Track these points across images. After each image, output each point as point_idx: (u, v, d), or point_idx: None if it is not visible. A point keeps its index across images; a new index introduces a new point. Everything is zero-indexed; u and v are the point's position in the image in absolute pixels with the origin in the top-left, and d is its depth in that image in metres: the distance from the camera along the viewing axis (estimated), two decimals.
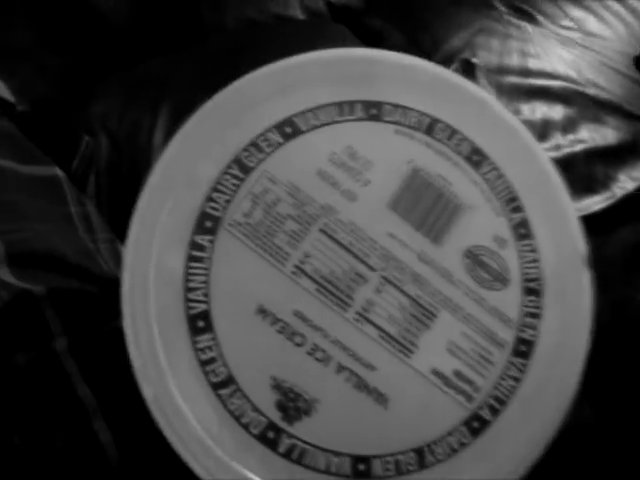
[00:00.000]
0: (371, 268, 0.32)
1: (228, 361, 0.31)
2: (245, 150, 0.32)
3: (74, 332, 0.37)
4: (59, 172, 0.46)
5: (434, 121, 0.33)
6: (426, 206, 0.33)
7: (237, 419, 0.30)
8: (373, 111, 0.33)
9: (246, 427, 0.30)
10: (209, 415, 0.30)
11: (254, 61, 0.58)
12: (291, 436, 0.30)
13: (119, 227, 0.52)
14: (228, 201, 0.31)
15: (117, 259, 0.48)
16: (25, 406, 0.36)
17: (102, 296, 0.40)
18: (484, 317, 0.32)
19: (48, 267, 0.39)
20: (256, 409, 0.30)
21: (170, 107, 0.57)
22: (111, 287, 0.42)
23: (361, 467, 0.30)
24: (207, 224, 0.31)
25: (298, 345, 0.31)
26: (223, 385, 0.30)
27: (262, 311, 0.31)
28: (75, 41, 0.67)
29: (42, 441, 0.36)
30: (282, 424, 0.30)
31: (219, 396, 0.30)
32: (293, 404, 0.31)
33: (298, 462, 0.30)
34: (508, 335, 0.32)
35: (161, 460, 0.37)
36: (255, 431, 0.30)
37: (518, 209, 0.33)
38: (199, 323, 0.31)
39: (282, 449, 0.30)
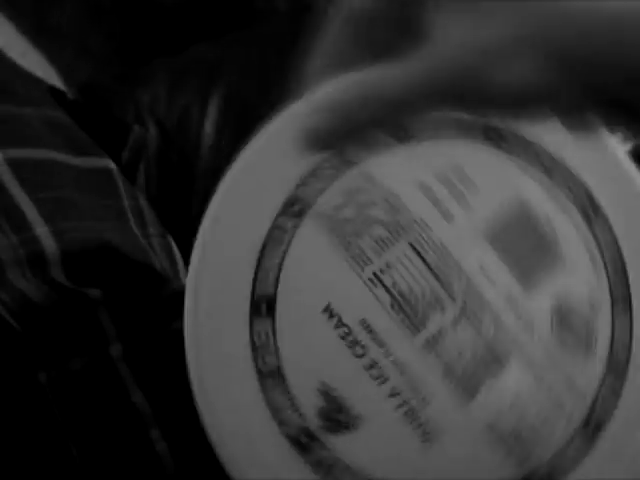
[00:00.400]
0: (452, 297, 0.30)
1: (281, 352, 0.29)
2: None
3: (128, 337, 0.36)
4: (111, 164, 0.45)
5: (554, 160, 0.31)
6: (526, 248, 0.30)
7: (274, 413, 0.28)
8: (492, 135, 0.31)
9: (280, 424, 0.28)
10: (246, 401, 0.29)
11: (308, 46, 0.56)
12: (325, 447, 0.29)
13: (168, 220, 0.51)
14: (322, 190, 0.29)
15: (169, 255, 0.47)
16: (81, 414, 0.35)
17: (157, 299, 0.39)
18: (557, 383, 0.30)
19: (103, 268, 0.38)
20: (296, 409, 0.29)
21: (220, 94, 0.55)
22: (166, 289, 0.41)
23: None
24: (295, 208, 0.29)
25: (357, 356, 0.29)
26: (270, 375, 0.29)
27: (328, 311, 0.29)
28: (119, 21, 0.65)
29: (98, 451, 0.35)
30: (319, 432, 0.29)
31: (263, 385, 0.29)
32: (336, 415, 0.29)
33: (324, 475, 0.29)
34: (578, 409, 0.30)
35: (216, 469, 0.35)
36: (289, 431, 0.29)
37: (623, 280, 0.30)
38: (262, 306, 0.29)
39: (312, 458, 0.28)
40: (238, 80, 0.55)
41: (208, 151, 0.52)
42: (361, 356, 0.29)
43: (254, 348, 0.29)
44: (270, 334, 0.29)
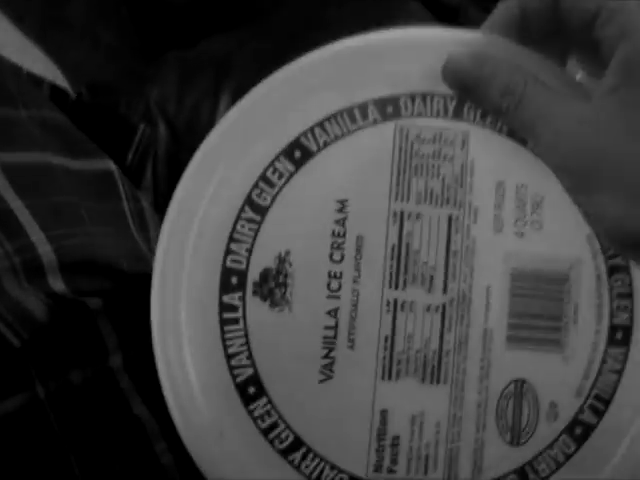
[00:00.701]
0: (445, 289, 0.29)
1: (291, 424, 0.28)
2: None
3: (130, 348, 0.34)
4: (112, 165, 0.43)
5: None
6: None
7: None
8: None
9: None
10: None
11: (322, 39, 0.54)
12: None
13: None
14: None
15: None
16: (82, 429, 0.33)
17: None
18: None
19: (103, 275, 0.36)
20: (334, 466, 0.28)
21: (232, 90, 0.52)
22: None
23: None
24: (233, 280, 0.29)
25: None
26: (292, 449, 0.28)
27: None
28: (130, 16, 0.64)
29: (101, 467, 0.33)
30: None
31: (291, 462, 0.28)
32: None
33: None
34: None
35: None
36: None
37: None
38: (250, 389, 0.28)
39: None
40: (250, 74, 0.52)
41: None
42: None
43: (263, 432, 0.29)
44: (272, 412, 0.29)
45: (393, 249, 0.29)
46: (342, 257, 0.29)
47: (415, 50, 0.29)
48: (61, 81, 0.51)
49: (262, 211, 0.29)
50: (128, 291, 0.37)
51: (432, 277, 0.29)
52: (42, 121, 0.40)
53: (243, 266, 0.28)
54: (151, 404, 0.34)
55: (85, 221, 0.37)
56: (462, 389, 0.29)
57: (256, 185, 0.29)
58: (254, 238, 0.29)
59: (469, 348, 0.29)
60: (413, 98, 0.29)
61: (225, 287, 0.28)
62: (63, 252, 0.35)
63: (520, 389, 0.29)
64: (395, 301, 0.29)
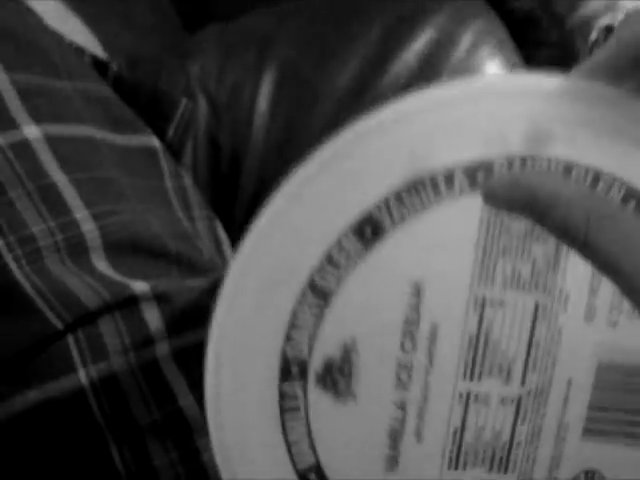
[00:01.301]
0: (523, 381, 0.27)
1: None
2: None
3: (177, 336, 0.33)
4: (155, 141, 0.42)
5: None
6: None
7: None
8: None
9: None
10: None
11: (368, 20, 0.52)
12: None
13: (217, 203, 0.47)
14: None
15: (215, 239, 0.43)
16: (123, 418, 0.32)
17: (206, 292, 0.35)
18: None
19: (148, 255, 0.34)
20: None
21: (275, 67, 0.51)
22: (213, 279, 0.37)
23: None
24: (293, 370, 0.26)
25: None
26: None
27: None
28: None
29: (141, 458, 0.32)
30: None
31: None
32: None
33: None
34: None
35: None
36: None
37: None
38: (311, 477, 0.26)
39: None
40: (293, 53, 0.51)
41: (261, 129, 0.48)
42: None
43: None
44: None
45: (470, 340, 0.26)
46: (414, 346, 0.26)
47: (515, 102, 0.24)
48: (101, 53, 0.50)
49: (326, 296, 0.26)
50: (173, 272, 0.35)
51: (510, 369, 0.26)
52: (86, 93, 0.39)
53: (304, 355, 0.26)
54: (198, 395, 0.32)
55: (129, 198, 0.36)
56: (530, 478, 0.27)
57: (320, 267, 0.25)
58: (317, 325, 0.26)
59: (542, 439, 0.27)
60: (511, 163, 0.24)
61: (285, 376, 0.26)
62: (107, 230, 0.34)
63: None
64: (468, 393, 0.26)
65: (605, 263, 0.19)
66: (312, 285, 0.25)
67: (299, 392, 0.26)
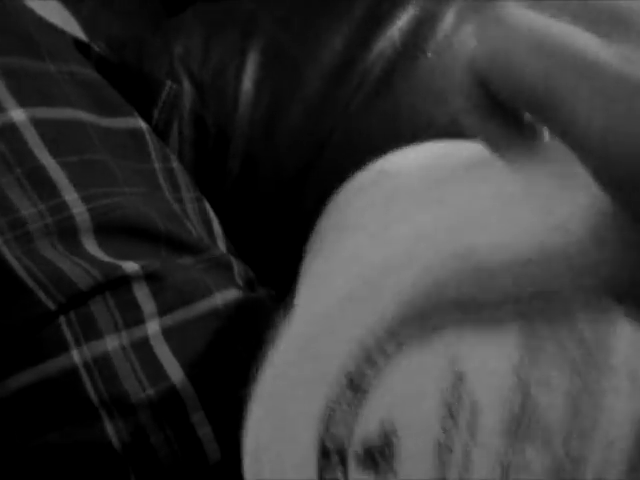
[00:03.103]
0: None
1: None
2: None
3: (167, 314, 0.33)
4: (142, 123, 0.42)
5: None
6: None
7: None
8: None
9: None
10: None
11: (347, 4, 0.51)
12: None
13: (204, 184, 0.47)
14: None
15: (205, 220, 0.44)
16: (117, 396, 0.32)
17: (195, 270, 0.36)
18: None
19: (137, 237, 0.35)
20: None
21: (259, 47, 0.50)
22: (203, 258, 0.38)
23: None
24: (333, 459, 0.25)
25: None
26: None
27: None
28: None
29: (136, 436, 0.32)
30: None
31: None
32: None
33: None
34: None
35: None
36: None
37: None
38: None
39: None
40: (278, 32, 0.50)
41: (247, 107, 0.48)
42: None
43: None
44: None
45: (512, 415, 0.26)
46: (455, 426, 0.26)
47: None
48: (81, 35, 0.49)
49: (364, 391, 0.25)
50: (162, 252, 0.36)
51: (551, 438, 0.26)
52: (71, 76, 0.39)
53: (344, 444, 0.26)
54: (190, 372, 0.33)
55: (118, 180, 0.36)
56: None
57: (357, 366, 0.25)
58: (356, 416, 0.25)
59: None
60: None
61: (325, 465, 0.26)
62: (97, 213, 0.34)
63: None
64: (509, 465, 0.26)
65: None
66: (350, 383, 0.25)
67: (340, 476, 0.26)
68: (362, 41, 0.52)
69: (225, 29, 0.52)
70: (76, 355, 0.31)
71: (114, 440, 0.31)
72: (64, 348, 0.31)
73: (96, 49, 0.46)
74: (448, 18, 0.53)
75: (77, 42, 0.45)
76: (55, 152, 0.34)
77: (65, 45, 0.42)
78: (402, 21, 0.52)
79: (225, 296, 0.35)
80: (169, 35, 0.52)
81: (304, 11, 0.53)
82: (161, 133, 0.46)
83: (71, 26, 0.50)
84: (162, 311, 0.33)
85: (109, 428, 0.31)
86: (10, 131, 0.33)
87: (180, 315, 0.34)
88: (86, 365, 0.31)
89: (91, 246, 0.33)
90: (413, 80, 0.49)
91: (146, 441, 0.32)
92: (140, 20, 0.60)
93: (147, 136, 0.42)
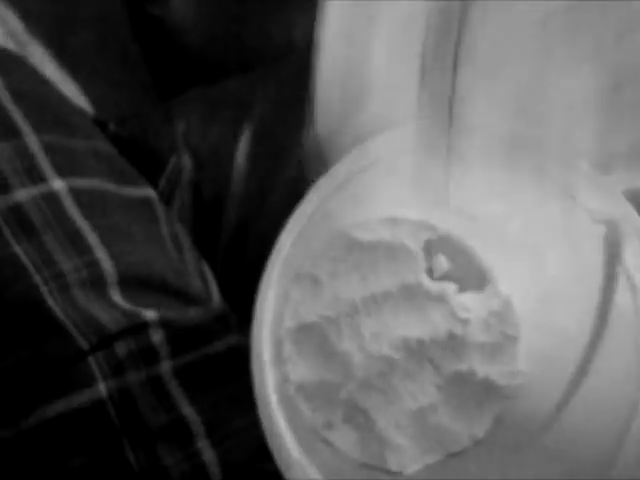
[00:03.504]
0: None
1: None
2: None
3: (178, 355, 0.39)
4: (152, 192, 0.48)
5: None
6: None
7: None
8: None
9: None
10: None
11: None
12: None
13: (201, 244, 0.53)
14: None
15: (203, 279, 0.49)
16: (136, 424, 0.37)
17: (201, 320, 0.42)
18: None
19: (152, 289, 0.41)
20: None
21: (252, 126, 0.57)
22: (205, 310, 0.43)
23: None
24: None
25: None
26: None
27: None
28: (149, 59, 0.68)
29: (152, 458, 0.37)
30: None
31: None
32: None
33: None
34: None
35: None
36: None
37: None
38: None
39: None
40: (270, 113, 0.57)
41: (239, 182, 0.55)
42: None
43: None
44: None
45: None
46: None
47: None
48: (92, 113, 0.56)
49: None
50: (173, 304, 0.42)
51: None
52: (94, 150, 0.45)
53: None
54: (199, 406, 0.38)
55: (136, 241, 0.42)
56: None
57: None
58: None
59: None
60: None
61: None
62: (121, 268, 0.40)
63: None
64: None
65: None
66: None
67: None
68: None
69: (222, 109, 0.58)
70: (103, 388, 0.37)
71: (132, 461, 0.36)
72: (93, 381, 0.37)
73: (111, 127, 0.52)
74: None
75: (95, 120, 0.52)
76: (88, 216, 0.40)
77: (87, 123, 0.49)
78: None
79: (227, 342, 0.41)
80: (172, 113, 0.59)
81: (290, 95, 0.59)
82: (166, 200, 0.52)
83: (84, 105, 0.57)
84: (174, 353, 0.39)
85: (129, 452, 0.37)
86: (52, 198, 0.40)
87: (189, 357, 0.39)
88: (111, 397, 0.37)
89: (115, 296, 0.39)
90: None
91: (160, 463, 0.37)
92: (145, 100, 0.66)
93: (156, 203, 0.48)
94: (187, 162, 0.56)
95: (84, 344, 0.37)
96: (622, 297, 0.29)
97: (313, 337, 0.36)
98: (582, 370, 0.29)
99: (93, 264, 0.39)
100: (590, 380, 0.29)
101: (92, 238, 0.39)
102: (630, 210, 0.29)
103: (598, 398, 0.29)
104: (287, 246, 0.33)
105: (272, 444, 0.30)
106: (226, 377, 0.39)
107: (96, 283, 0.39)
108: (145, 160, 0.54)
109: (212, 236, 0.54)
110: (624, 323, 0.29)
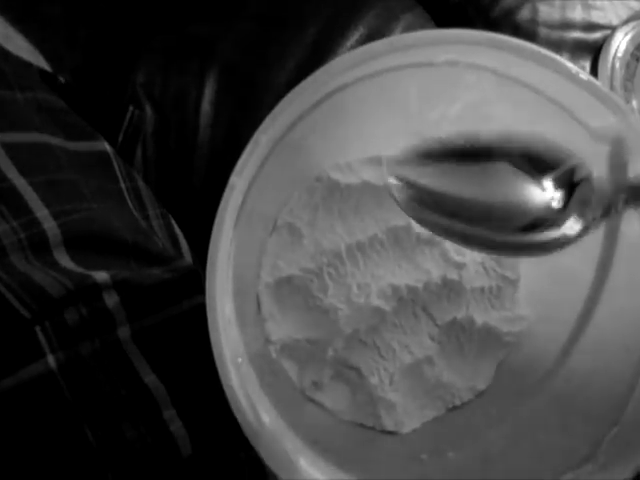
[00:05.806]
0: None
1: None
2: None
3: (137, 320, 0.35)
4: (107, 147, 0.44)
5: None
6: None
7: None
8: None
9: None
10: None
11: (303, 24, 0.54)
12: None
13: (168, 200, 0.50)
14: None
15: (171, 234, 0.46)
16: (93, 397, 0.34)
17: (163, 279, 0.38)
18: None
19: (107, 249, 0.37)
20: None
21: (217, 71, 0.53)
22: (170, 268, 0.40)
23: None
24: None
25: None
26: None
27: None
28: (108, 12, 0.64)
29: (112, 432, 0.34)
30: None
31: None
32: None
33: None
34: None
35: (234, 449, 0.35)
36: None
37: None
38: None
39: None
40: (235, 57, 0.53)
41: (206, 131, 0.51)
42: None
43: None
44: None
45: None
46: None
47: None
48: (47, 67, 0.52)
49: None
50: (131, 264, 0.38)
51: None
52: (37, 103, 0.41)
53: None
54: (162, 373, 0.35)
55: (87, 198, 0.38)
56: None
57: None
58: None
59: None
60: None
61: None
62: (67, 227, 0.36)
63: None
64: None
65: None
66: None
67: None
68: (314, 62, 0.55)
69: (184, 57, 0.55)
70: (52, 360, 0.33)
71: (90, 437, 0.33)
72: (40, 354, 0.33)
73: (61, 79, 0.48)
74: (396, 34, 0.56)
75: (43, 73, 0.48)
76: (24, 172, 0.36)
77: (31, 76, 0.45)
78: (351, 41, 0.56)
79: (192, 302, 0.37)
80: (131, 64, 0.55)
81: (260, 36, 0.56)
82: (126, 155, 0.49)
83: (36, 59, 0.53)
84: (131, 317, 0.35)
85: (86, 427, 0.33)
86: None
87: (149, 320, 0.36)
88: (61, 369, 0.33)
89: (63, 259, 0.35)
90: None
91: (122, 437, 0.34)
92: (101, 54, 0.62)
93: (113, 158, 0.44)
94: (150, 114, 0.52)
95: (25, 313, 0.33)
96: (629, 227, 0.26)
97: (295, 292, 0.34)
98: (589, 310, 0.27)
99: (32, 225, 0.35)
100: (597, 321, 0.27)
101: (30, 197, 0.35)
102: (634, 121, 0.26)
103: (607, 339, 0.27)
104: (241, 186, 0.29)
105: (235, 408, 0.27)
106: (194, 340, 0.36)
107: (37, 246, 0.35)
108: (102, 113, 0.50)
109: (181, 188, 0.51)
110: (633, 254, 0.26)
